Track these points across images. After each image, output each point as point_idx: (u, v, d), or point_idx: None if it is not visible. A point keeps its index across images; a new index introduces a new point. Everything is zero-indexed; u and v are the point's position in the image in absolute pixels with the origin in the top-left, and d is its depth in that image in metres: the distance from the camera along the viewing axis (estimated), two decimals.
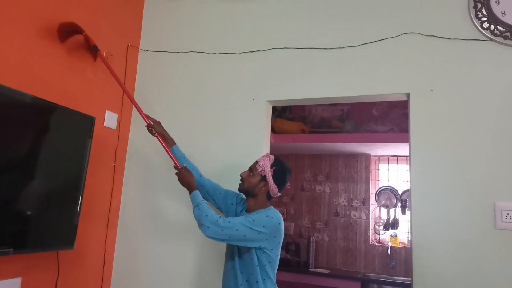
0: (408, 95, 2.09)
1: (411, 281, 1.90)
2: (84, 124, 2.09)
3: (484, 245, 1.79)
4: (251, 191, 1.83)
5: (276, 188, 1.82)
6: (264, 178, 1.81)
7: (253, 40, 2.45)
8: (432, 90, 2.02)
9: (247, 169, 1.89)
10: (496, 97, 1.90)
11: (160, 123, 2.10)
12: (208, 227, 1.60)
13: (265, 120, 2.36)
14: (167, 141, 2.06)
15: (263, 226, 1.69)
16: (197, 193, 1.78)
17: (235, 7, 2.55)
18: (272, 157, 1.88)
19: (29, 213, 1.82)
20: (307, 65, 2.30)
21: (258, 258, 1.73)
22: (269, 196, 1.84)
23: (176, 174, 1.90)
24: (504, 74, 1.91)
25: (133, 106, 2.15)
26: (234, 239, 1.64)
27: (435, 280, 1.83)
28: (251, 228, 1.65)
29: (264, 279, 1.72)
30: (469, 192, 1.86)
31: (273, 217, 1.74)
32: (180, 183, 1.87)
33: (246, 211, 1.88)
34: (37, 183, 1.86)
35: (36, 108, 1.85)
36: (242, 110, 2.39)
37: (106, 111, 2.43)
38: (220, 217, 1.63)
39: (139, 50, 2.73)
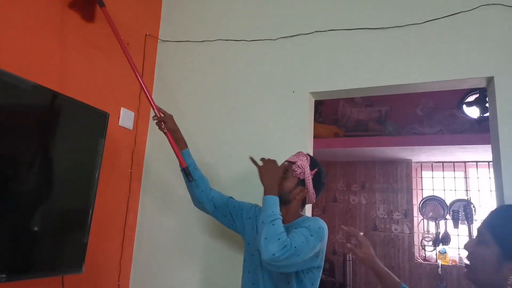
0: (489, 79, 1.69)
1: None
2: (96, 122, 1.74)
3: None
4: (285, 197, 1.47)
5: (314, 194, 1.50)
6: (301, 182, 1.48)
7: (292, 23, 2.09)
8: None
9: None
10: None
11: (172, 118, 1.73)
12: (273, 254, 1.22)
13: (308, 115, 1.99)
14: (178, 141, 1.69)
15: (320, 241, 1.35)
16: (276, 200, 1.37)
17: None
18: (308, 156, 1.52)
19: (26, 230, 1.45)
20: (359, 49, 1.92)
21: (301, 281, 1.39)
22: (303, 203, 1.53)
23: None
24: None
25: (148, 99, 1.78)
26: (294, 265, 1.29)
27: None
28: (312, 248, 1.30)
29: None
30: None
31: (323, 227, 1.40)
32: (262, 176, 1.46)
33: None
34: (38, 192, 1.50)
35: (38, 98, 1.50)
36: (280, 104, 2.02)
37: (122, 108, 2.09)
38: (288, 239, 1.26)
39: (158, 40, 2.40)
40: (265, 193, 1.40)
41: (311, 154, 2.00)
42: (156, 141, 2.27)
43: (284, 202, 1.46)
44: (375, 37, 1.90)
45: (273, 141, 1.98)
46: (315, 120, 3.69)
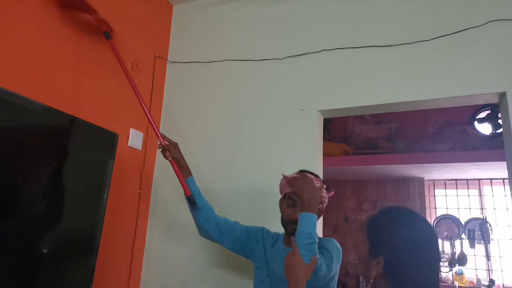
0: (502, 95, 1.66)
1: None
2: (105, 142, 1.74)
3: None
4: None
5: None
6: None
7: (299, 42, 2.10)
8: None
9: (289, 204, 1.42)
10: None
11: (177, 146, 1.72)
12: (317, 275, 1.22)
13: (317, 133, 1.97)
14: (182, 169, 1.67)
15: (338, 262, 1.36)
16: (314, 219, 1.27)
17: (273, 8, 2.22)
18: (318, 177, 1.47)
19: (33, 253, 1.43)
20: (367, 66, 1.92)
21: None
22: None
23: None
24: None
25: (150, 123, 1.81)
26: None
27: None
28: (333, 271, 1.32)
29: None
30: None
31: (340, 248, 1.40)
32: None
33: (284, 242, 1.47)
34: (45, 215, 1.49)
35: (48, 120, 1.52)
36: (289, 123, 2.01)
37: (131, 129, 2.09)
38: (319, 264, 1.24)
39: (167, 61, 2.42)
40: (303, 209, 1.27)
41: (321, 172, 1.98)
42: (164, 161, 2.25)
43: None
44: (383, 55, 1.89)
45: (283, 160, 1.96)
46: (324, 139, 3.68)
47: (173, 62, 2.42)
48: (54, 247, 1.51)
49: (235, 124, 2.14)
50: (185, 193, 1.63)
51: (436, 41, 1.81)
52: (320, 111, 1.99)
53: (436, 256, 0.93)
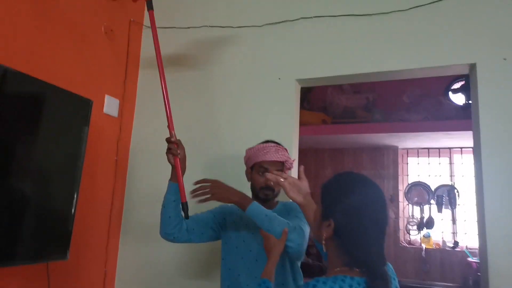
0: (472, 66, 1.71)
1: None
2: (80, 109, 1.72)
3: None
4: (277, 193, 1.54)
5: None
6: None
7: (277, 9, 2.07)
8: (505, 59, 1.64)
9: (263, 172, 1.48)
10: None
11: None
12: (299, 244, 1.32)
13: (294, 102, 1.99)
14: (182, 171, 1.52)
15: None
16: (258, 205, 1.38)
17: None
18: (281, 145, 1.56)
19: (10, 218, 1.44)
20: (345, 36, 1.92)
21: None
22: None
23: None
24: None
25: (166, 109, 1.61)
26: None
27: None
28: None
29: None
30: None
31: None
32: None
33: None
34: (22, 180, 1.49)
35: (21, 86, 1.48)
36: (266, 91, 2.02)
37: (106, 95, 2.06)
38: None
39: (143, 26, 2.36)
40: (245, 207, 1.36)
41: (297, 140, 2.02)
42: (142, 129, 2.26)
43: (275, 196, 1.53)
44: (361, 24, 1.90)
45: (260, 128, 1.99)
46: (303, 108, 3.72)
47: (149, 27, 2.35)
48: (31, 213, 1.52)
49: (213, 91, 2.13)
50: (181, 199, 1.46)
51: (412, 11, 1.82)
52: (298, 80, 2.00)
53: (383, 221, 0.95)
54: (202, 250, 1.97)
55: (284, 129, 1.94)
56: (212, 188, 1.39)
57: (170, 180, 1.50)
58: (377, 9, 1.87)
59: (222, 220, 1.57)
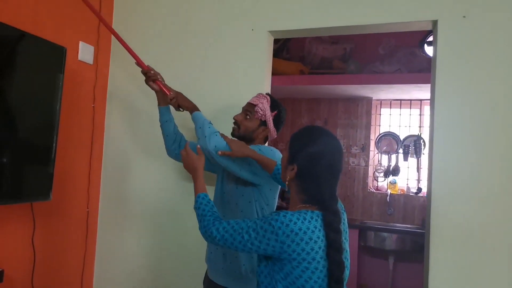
0: (435, 22, 1.79)
1: (427, 230, 1.74)
2: (54, 56, 1.75)
3: None
4: (248, 136, 1.63)
5: (275, 132, 1.65)
6: (263, 123, 1.62)
7: None
8: (464, 17, 1.72)
9: (241, 111, 1.65)
10: None
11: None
12: (215, 146, 1.50)
13: (267, 54, 2.05)
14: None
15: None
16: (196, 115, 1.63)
17: None
18: (268, 97, 1.64)
19: None
20: None
21: (256, 201, 1.58)
22: (265, 140, 1.69)
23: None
24: None
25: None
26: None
27: (453, 229, 1.66)
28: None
29: None
30: (500, 138, 1.64)
31: (275, 149, 1.59)
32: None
33: None
34: (1, 126, 1.56)
35: None
36: (239, 42, 2.06)
37: (80, 42, 2.07)
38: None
39: None
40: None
41: (269, 93, 2.11)
42: (118, 75, 2.30)
43: (248, 140, 1.62)
44: None
45: (233, 79, 2.06)
46: (283, 57, 3.76)
47: None
48: (13, 156, 1.62)
49: (186, 42, 2.16)
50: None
51: None
52: (270, 31, 2.04)
53: (337, 168, 1.12)
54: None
55: (256, 81, 2.02)
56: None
57: (158, 105, 1.78)
58: None
59: None
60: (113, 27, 2.30)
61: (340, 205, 1.19)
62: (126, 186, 2.24)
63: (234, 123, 1.65)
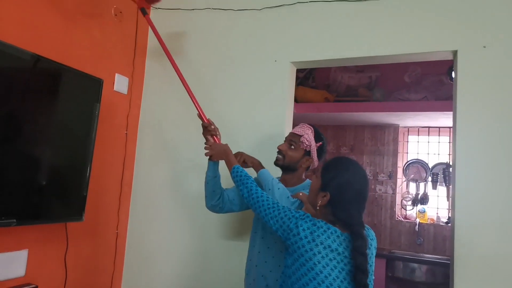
0: (455, 53, 1.81)
1: (451, 261, 1.70)
2: (91, 87, 1.91)
3: None
4: (293, 166, 1.66)
5: (317, 162, 1.68)
6: (308, 153, 1.65)
7: None
8: (485, 47, 1.73)
9: (285, 141, 1.70)
10: None
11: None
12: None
13: (289, 84, 2.13)
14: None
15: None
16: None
17: None
18: (312, 128, 1.68)
19: (33, 182, 1.68)
20: (338, 20, 2.03)
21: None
22: (307, 169, 1.71)
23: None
24: None
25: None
26: None
27: (479, 260, 1.62)
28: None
29: None
30: None
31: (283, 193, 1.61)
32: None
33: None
34: (42, 150, 1.71)
35: (38, 68, 1.67)
36: (263, 72, 2.16)
37: (116, 74, 2.24)
38: None
39: (151, 8, 2.50)
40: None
41: (291, 121, 2.17)
42: (150, 104, 2.44)
43: (291, 170, 1.66)
44: (353, 9, 2.00)
45: (258, 107, 2.14)
46: (308, 85, 3.84)
47: (156, 8, 2.49)
48: (51, 179, 1.75)
49: (214, 75, 2.28)
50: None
51: None
52: (293, 62, 2.13)
53: (363, 195, 1.24)
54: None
55: (279, 110, 2.09)
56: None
57: (209, 159, 1.68)
58: None
59: None
60: (146, 57, 2.48)
61: (370, 232, 1.29)
62: (154, 210, 2.34)
63: (278, 152, 1.67)
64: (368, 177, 1.38)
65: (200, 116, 1.80)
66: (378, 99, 3.44)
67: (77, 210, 1.85)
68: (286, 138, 1.71)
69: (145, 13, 2.07)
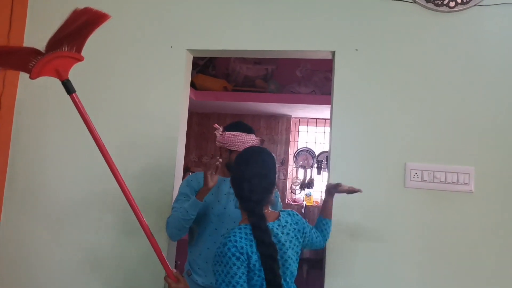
0: (333, 53, 2.04)
1: None
2: None
3: (393, 203, 1.88)
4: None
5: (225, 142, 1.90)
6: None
7: None
8: (356, 50, 1.99)
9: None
10: (416, 61, 1.93)
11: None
12: None
13: (185, 71, 2.15)
14: None
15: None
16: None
17: None
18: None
19: None
20: (232, 13, 2.11)
21: None
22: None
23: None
24: (424, 38, 1.94)
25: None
26: None
27: (348, 235, 1.88)
28: None
29: None
30: (384, 154, 1.91)
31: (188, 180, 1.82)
32: None
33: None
34: None
35: None
36: (158, 58, 2.14)
37: None
38: None
39: None
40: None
41: (187, 108, 2.20)
42: (28, 84, 2.22)
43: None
44: (246, 3, 2.09)
45: (152, 95, 2.12)
46: (208, 74, 3.88)
47: None
48: None
49: (104, 61, 2.18)
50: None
51: None
52: (189, 50, 2.15)
53: (261, 174, 1.37)
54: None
55: (173, 96, 2.10)
56: None
57: (196, 196, 1.64)
58: None
59: None
60: (25, 30, 2.24)
61: (290, 214, 1.48)
62: (29, 223, 2.16)
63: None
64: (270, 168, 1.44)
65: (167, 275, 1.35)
66: (272, 91, 3.65)
67: None
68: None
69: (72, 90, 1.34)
